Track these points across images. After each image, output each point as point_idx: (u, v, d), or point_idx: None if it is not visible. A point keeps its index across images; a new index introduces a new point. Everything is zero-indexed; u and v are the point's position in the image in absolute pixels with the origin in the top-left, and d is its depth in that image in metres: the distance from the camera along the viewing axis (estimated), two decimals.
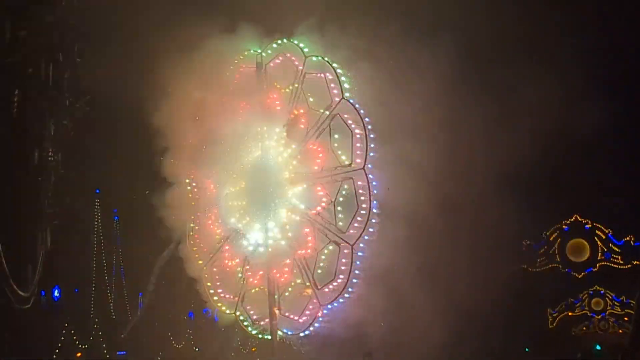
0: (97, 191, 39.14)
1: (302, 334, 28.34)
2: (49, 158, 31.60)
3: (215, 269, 29.47)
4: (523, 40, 36.00)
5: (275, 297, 28.32)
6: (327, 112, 27.66)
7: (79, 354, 37.01)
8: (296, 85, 28.32)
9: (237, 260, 29.35)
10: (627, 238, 45.49)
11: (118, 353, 38.85)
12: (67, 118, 32.19)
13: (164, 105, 28.91)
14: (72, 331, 36.31)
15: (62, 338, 35.71)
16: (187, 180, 29.91)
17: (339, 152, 27.49)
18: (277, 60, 28.80)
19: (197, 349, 42.55)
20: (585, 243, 45.81)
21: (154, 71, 28.57)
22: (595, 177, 41.01)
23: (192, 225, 29.91)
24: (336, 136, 27.56)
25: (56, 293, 36.42)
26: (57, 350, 35.18)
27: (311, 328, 27.94)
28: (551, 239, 46.19)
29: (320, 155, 27.68)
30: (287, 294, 28.46)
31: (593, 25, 36.76)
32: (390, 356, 32.90)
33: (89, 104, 32.82)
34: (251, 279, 29.19)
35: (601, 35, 37.22)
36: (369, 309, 28.42)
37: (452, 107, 32.14)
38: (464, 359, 37.10)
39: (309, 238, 27.94)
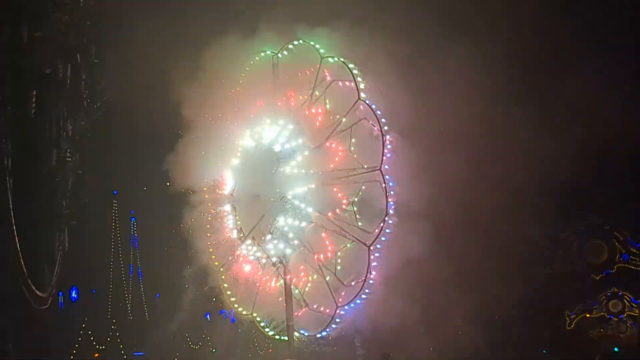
0: (115, 192, 39.27)
1: (318, 335, 28.26)
2: (67, 159, 31.76)
3: (231, 270, 29.44)
4: (554, 45, 35.87)
5: (297, 291, 28.20)
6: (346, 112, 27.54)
7: (96, 355, 37.14)
8: (312, 90, 28.18)
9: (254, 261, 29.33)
10: None
11: (135, 354, 38.96)
12: (84, 119, 32.35)
13: (181, 105, 28.92)
14: (90, 332, 36.44)
15: (80, 339, 35.82)
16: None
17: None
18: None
19: (213, 350, 42.62)
20: (604, 244, 45.57)
21: (171, 72, 28.61)
22: (614, 180, 40.84)
23: (208, 226, 29.87)
24: (353, 140, 27.51)
25: (74, 294, 36.57)
26: (74, 351, 35.30)
27: (328, 329, 27.85)
28: (569, 240, 45.97)
29: (340, 154, 27.60)
30: (307, 288, 28.35)
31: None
32: (409, 358, 32.90)
33: (107, 105, 32.99)
34: (267, 283, 29.15)
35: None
36: (388, 310, 28.36)
37: (477, 112, 32.18)
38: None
39: (327, 242, 27.86)
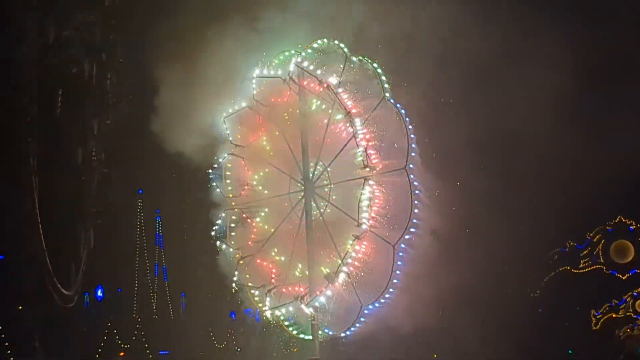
0: (140, 191, 39.39)
1: (343, 335, 28.21)
2: (92, 158, 31.91)
3: (254, 268, 29.53)
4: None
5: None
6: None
7: (121, 353, 37.27)
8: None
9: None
10: None
11: (160, 352, 39.06)
12: (110, 118, 32.49)
13: (207, 105, 29.04)
14: (115, 330, 36.56)
15: (105, 337, 35.96)
16: (228, 181, 29.99)
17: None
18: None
19: (238, 349, 42.65)
20: (630, 244, 45.22)
21: (195, 70, 28.70)
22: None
23: (232, 225, 29.94)
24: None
25: (99, 292, 36.73)
26: (99, 349, 35.44)
27: (352, 328, 27.78)
28: (595, 240, 45.65)
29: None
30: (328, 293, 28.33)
31: None
32: None
33: (132, 104, 33.10)
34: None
35: None
36: (407, 312, 28.33)
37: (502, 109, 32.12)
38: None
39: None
